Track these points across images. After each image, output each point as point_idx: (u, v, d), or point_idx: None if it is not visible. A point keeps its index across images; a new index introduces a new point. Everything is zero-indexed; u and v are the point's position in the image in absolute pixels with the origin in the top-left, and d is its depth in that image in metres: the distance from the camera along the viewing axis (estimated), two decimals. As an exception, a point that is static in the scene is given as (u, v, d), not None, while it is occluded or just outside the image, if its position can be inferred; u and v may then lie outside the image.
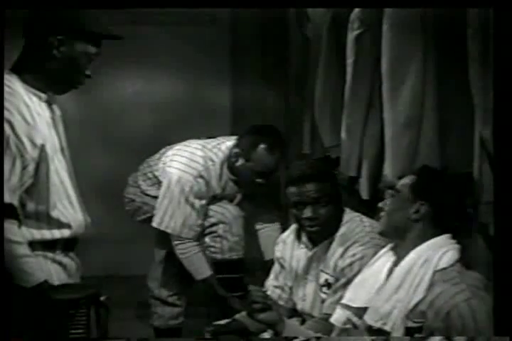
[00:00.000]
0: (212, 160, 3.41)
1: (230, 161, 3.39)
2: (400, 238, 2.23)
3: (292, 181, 2.69)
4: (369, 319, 2.19)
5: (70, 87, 2.35)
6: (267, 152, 3.29)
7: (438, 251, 2.18)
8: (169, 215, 3.43)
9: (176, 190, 3.39)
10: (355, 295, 2.31)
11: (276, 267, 2.90)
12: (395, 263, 2.24)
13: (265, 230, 3.67)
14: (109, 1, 2.39)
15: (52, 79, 2.29)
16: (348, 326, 2.31)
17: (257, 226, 3.69)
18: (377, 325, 2.16)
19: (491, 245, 2.32)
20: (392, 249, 2.29)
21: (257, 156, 3.29)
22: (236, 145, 3.39)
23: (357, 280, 2.35)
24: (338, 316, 2.36)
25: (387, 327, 2.13)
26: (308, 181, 2.65)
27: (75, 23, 2.27)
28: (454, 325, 2.05)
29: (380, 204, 2.28)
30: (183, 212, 3.41)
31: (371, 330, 2.20)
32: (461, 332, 2.04)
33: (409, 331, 2.10)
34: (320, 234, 2.70)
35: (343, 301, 2.34)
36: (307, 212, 2.64)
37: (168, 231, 3.46)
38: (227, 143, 3.46)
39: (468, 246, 2.45)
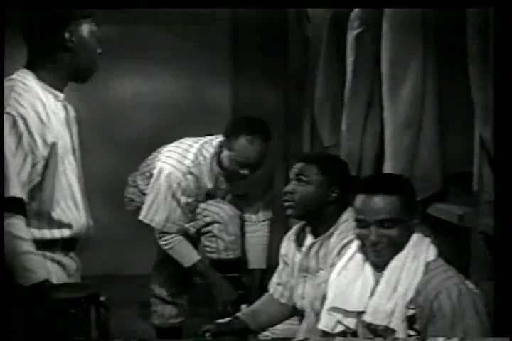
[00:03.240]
0: (204, 156, 3.43)
1: (218, 153, 3.41)
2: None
3: (300, 157, 2.81)
4: (373, 319, 2.19)
5: (90, 71, 2.37)
6: (247, 142, 3.30)
7: (422, 245, 2.23)
8: (154, 209, 3.46)
9: (164, 184, 3.42)
10: (342, 297, 2.27)
11: (280, 264, 2.91)
12: (375, 264, 2.25)
13: (252, 235, 3.68)
14: (109, 1, 2.39)
15: (71, 69, 2.31)
16: (339, 329, 2.28)
17: (246, 227, 3.69)
18: (383, 323, 2.16)
19: (491, 245, 2.32)
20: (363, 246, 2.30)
21: (238, 146, 3.31)
22: (223, 136, 3.41)
23: (339, 282, 2.31)
24: (326, 321, 2.31)
25: (392, 325, 2.15)
26: (309, 162, 2.71)
27: (72, 13, 2.29)
28: (443, 306, 2.09)
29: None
30: (167, 207, 3.43)
31: (374, 329, 2.20)
32: (448, 315, 2.08)
33: (409, 320, 2.13)
34: (294, 213, 2.72)
35: (333, 305, 2.30)
36: (287, 186, 2.72)
37: (152, 224, 3.48)
38: (220, 138, 3.47)
39: (468, 246, 2.45)
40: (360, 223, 2.25)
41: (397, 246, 2.22)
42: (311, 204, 2.69)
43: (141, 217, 3.50)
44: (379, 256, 2.23)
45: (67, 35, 2.27)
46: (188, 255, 3.48)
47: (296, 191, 2.69)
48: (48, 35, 2.28)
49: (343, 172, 2.77)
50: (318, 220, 2.71)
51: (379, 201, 2.22)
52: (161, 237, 3.49)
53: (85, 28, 2.31)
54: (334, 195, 2.69)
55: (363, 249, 2.29)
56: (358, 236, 2.28)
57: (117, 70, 5.23)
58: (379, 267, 2.25)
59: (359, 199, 2.26)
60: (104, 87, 5.25)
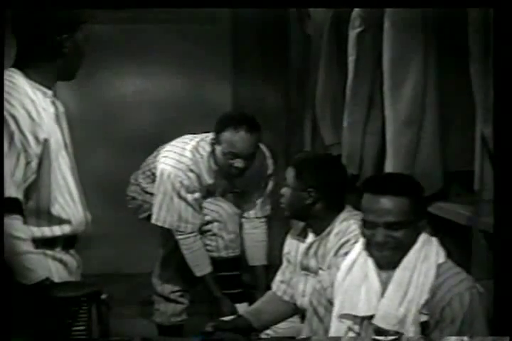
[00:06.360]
0: (200, 153, 3.46)
1: (213, 150, 3.42)
2: None
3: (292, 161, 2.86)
4: (384, 324, 2.16)
5: (77, 69, 2.37)
6: (233, 133, 3.32)
7: (431, 246, 2.22)
8: (164, 211, 3.47)
9: (168, 185, 3.44)
10: (350, 303, 2.25)
11: (284, 262, 2.92)
12: (380, 263, 2.24)
13: (251, 232, 3.68)
14: (109, 1, 2.39)
15: (61, 70, 2.31)
16: (350, 335, 2.26)
17: (245, 224, 3.69)
18: (395, 328, 2.14)
19: (492, 244, 2.33)
20: (364, 250, 2.28)
21: (225, 139, 3.33)
22: (213, 134, 3.43)
23: (346, 287, 2.28)
24: (337, 329, 2.28)
25: (403, 330, 2.14)
26: (290, 165, 2.76)
27: (72, 19, 2.29)
28: (454, 313, 2.10)
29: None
30: (176, 207, 3.45)
31: (383, 332, 2.19)
32: (457, 323, 2.09)
33: (421, 326, 2.13)
34: (286, 214, 2.79)
35: (342, 311, 2.27)
36: (282, 190, 2.79)
37: (166, 226, 3.50)
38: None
39: (468, 245, 2.46)
40: (367, 223, 2.21)
41: (403, 248, 2.19)
42: (291, 206, 2.75)
43: (153, 221, 3.51)
44: (384, 256, 2.20)
45: (62, 41, 2.27)
46: (201, 265, 3.50)
47: (283, 194, 2.76)
48: (44, 38, 2.26)
49: (322, 175, 2.73)
50: (310, 220, 2.75)
51: (387, 202, 2.16)
52: (180, 240, 3.50)
53: (80, 34, 2.31)
54: (311, 197, 2.70)
55: (368, 247, 2.26)
56: (364, 235, 2.25)
57: (117, 70, 5.23)
58: (384, 266, 2.23)
59: (366, 199, 2.21)
60: (104, 86, 5.25)
